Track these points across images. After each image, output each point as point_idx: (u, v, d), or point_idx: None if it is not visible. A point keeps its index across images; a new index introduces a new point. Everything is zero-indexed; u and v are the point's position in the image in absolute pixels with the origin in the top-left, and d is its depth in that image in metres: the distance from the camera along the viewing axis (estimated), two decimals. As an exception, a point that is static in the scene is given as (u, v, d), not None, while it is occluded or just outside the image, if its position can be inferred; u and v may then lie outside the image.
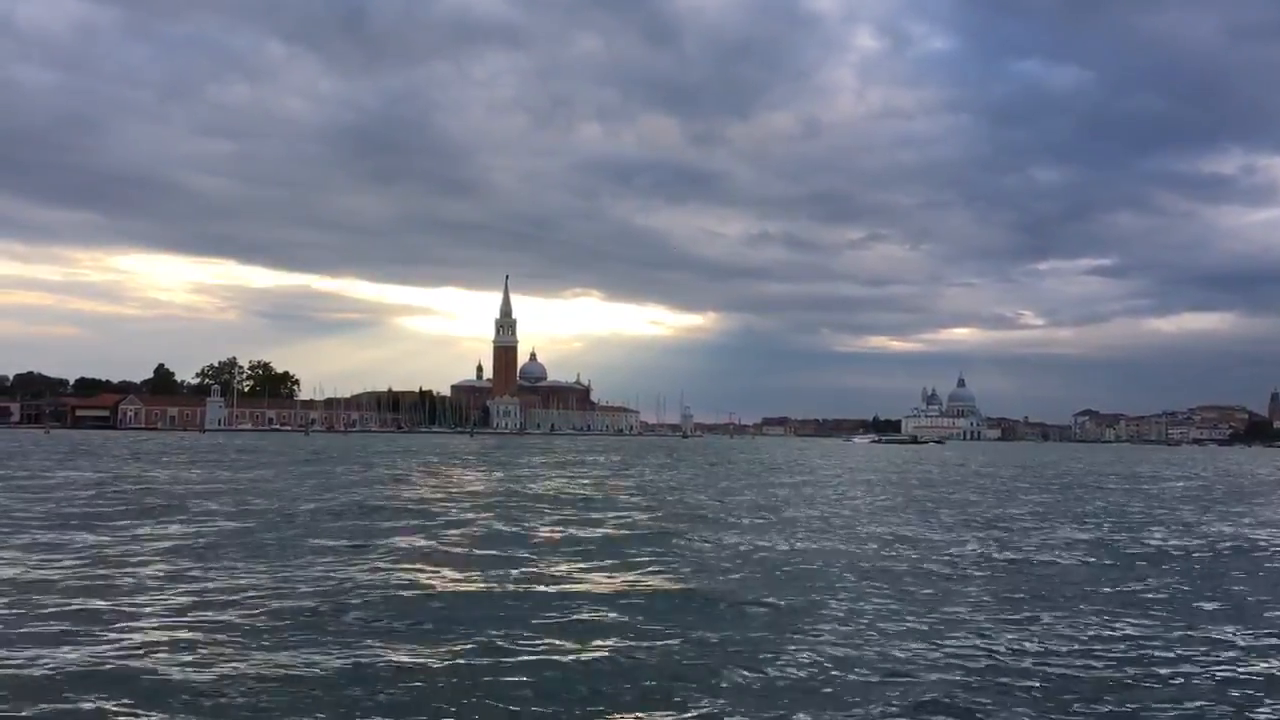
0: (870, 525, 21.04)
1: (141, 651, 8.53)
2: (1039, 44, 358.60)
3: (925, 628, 10.16)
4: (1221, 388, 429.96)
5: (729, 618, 10.54)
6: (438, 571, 13.30)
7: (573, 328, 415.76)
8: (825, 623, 10.35)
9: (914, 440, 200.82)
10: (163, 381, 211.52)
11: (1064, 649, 9.33)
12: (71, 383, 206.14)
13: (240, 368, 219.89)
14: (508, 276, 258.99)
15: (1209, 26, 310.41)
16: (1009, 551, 16.72)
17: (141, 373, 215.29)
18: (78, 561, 13.39)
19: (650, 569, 13.92)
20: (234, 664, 8.20)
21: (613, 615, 10.53)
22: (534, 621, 10.07)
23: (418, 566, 13.73)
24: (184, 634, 9.20)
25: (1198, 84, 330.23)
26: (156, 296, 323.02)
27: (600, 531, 18.65)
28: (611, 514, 22.38)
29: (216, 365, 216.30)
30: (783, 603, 11.38)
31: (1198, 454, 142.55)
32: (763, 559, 15.27)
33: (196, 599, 10.96)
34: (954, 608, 11.28)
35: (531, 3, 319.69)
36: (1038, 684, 8.09)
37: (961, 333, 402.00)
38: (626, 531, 18.76)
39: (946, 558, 15.74)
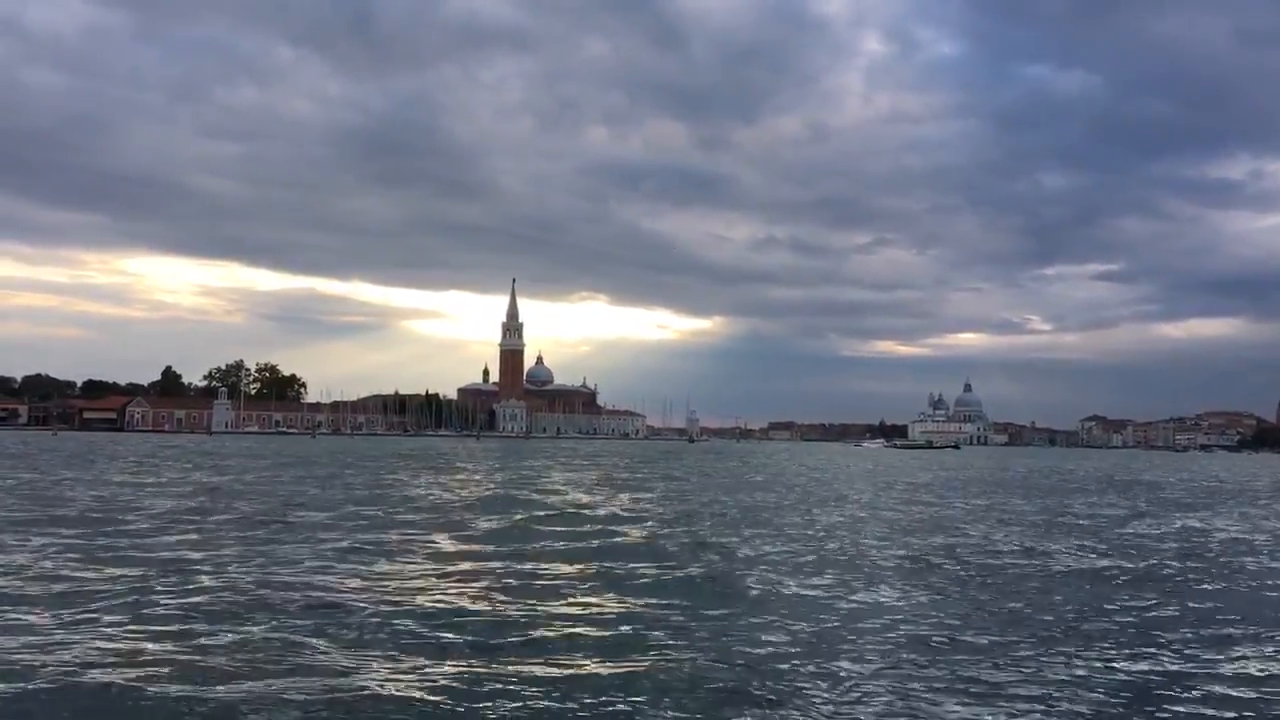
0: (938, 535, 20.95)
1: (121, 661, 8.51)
2: (1047, 49, 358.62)
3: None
4: (1229, 394, 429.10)
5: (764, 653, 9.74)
6: (439, 584, 13.11)
7: (579, 331, 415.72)
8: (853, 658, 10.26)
9: (929, 445, 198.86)
10: (170, 384, 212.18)
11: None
12: (79, 385, 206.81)
13: (247, 370, 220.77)
14: (514, 280, 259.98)
15: (1218, 31, 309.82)
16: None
17: (149, 375, 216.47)
18: (82, 565, 13.38)
19: (665, 592, 12.95)
20: (222, 681, 8.12)
21: (617, 636, 10.26)
22: (546, 634, 9.99)
23: (415, 578, 13.55)
24: (154, 646, 9.13)
25: (1206, 89, 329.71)
26: (163, 299, 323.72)
27: (610, 542, 18.34)
28: (624, 527, 21.89)
29: (223, 368, 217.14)
30: (811, 637, 10.28)
31: (1204, 460, 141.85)
32: (794, 585, 14.13)
33: (171, 607, 10.86)
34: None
35: (539, 6, 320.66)
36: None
37: (968, 337, 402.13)
38: (641, 546, 18.12)
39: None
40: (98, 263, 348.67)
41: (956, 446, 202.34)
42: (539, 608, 11.22)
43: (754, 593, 12.70)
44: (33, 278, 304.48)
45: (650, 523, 21.83)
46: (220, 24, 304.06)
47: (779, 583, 13.49)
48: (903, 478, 52.03)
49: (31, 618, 10.03)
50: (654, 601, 11.79)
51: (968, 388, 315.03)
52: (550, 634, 9.90)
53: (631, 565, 14.75)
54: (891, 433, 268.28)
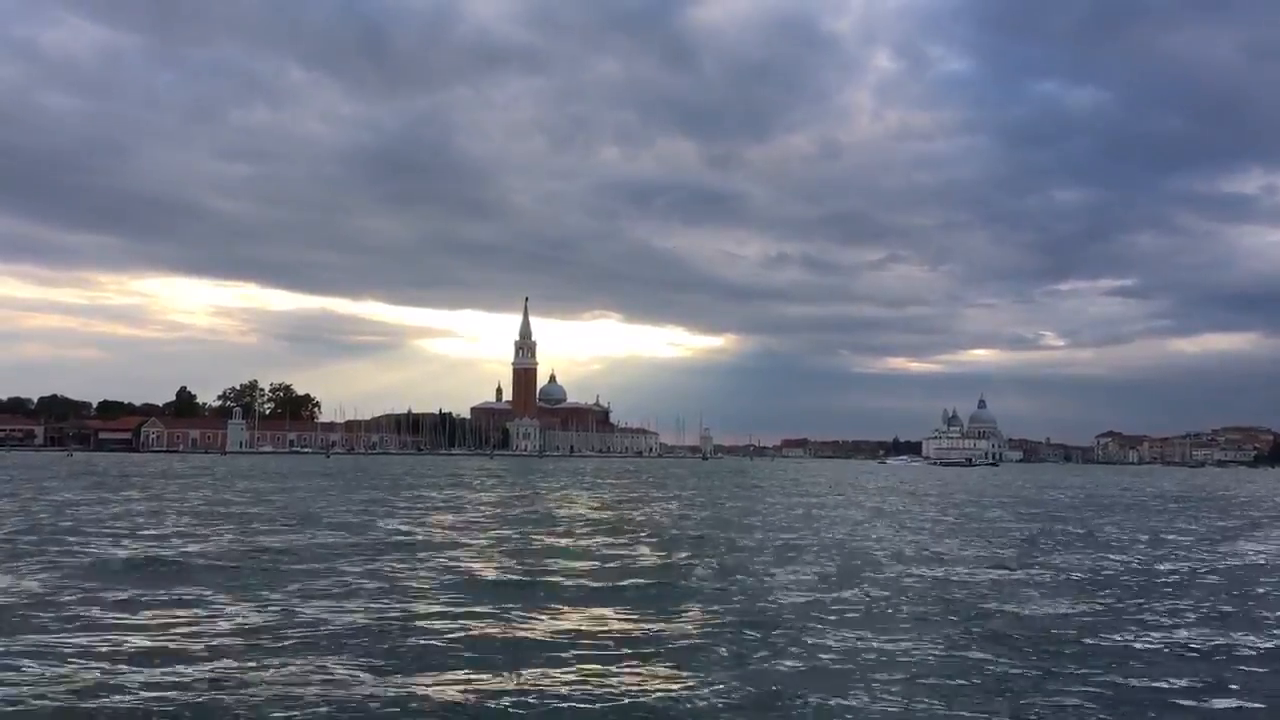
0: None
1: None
2: (1057, 65, 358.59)
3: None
4: (1245, 409, 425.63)
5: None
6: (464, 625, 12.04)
7: (592, 349, 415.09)
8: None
9: (968, 463, 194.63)
10: (184, 404, 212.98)
11: None
12: (94, 405, 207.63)
13: (261, 390, 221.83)
14: (527, 298, 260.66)
15: (1228, 45, 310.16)
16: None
17: (164, 395, 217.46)
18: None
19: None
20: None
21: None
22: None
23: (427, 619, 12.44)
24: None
25: (1218, 103, 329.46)
26: (178, 319, 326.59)
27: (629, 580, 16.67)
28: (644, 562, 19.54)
29: (238, 388, 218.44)
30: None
31: (1224, 476, 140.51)
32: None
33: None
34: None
35: (551, 26, 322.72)
36: None
37: (981, 354, 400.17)
38: (666, 583, 16.42)
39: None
40: (113, 284, 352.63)
41: (994, 464, 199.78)
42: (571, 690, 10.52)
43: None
44: (49, 299, 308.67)
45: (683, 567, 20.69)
46: (234, 46, 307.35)
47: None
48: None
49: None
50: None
51: (982, 404, 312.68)
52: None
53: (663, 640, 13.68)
54: (905, 450, 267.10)
